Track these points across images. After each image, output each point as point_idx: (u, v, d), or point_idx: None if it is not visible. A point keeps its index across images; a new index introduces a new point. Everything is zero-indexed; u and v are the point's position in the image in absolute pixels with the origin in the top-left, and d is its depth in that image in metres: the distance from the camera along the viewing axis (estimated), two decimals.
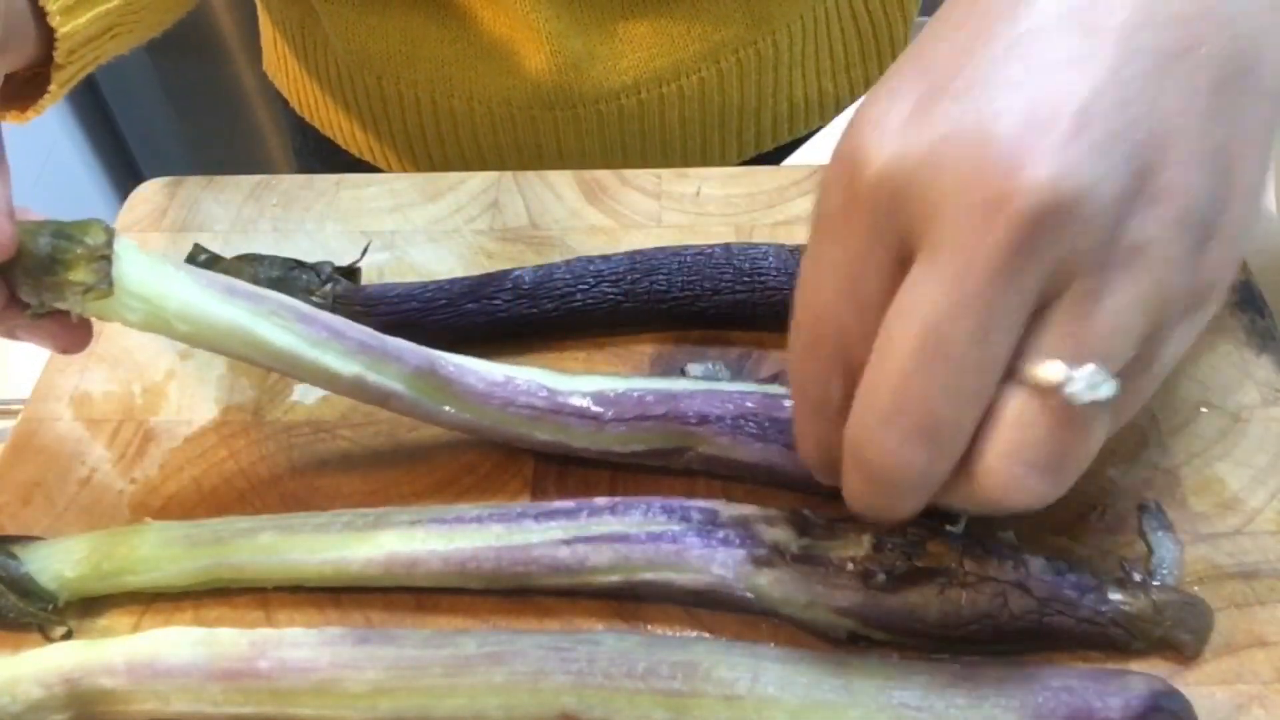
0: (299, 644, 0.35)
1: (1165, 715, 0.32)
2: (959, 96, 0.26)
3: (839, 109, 0.66)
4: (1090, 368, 0.26)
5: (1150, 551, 0.37)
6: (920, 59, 0.28)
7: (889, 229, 0.27)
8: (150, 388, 0.45)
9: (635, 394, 0.39)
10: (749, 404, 0.39)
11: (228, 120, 1.49)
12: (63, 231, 0.34)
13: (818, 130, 0.65)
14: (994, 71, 0.26)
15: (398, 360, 0.38)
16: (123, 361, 0.46)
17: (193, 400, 0.45)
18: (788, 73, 0.62)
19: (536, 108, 0.59)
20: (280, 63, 0.69)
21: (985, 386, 0.27)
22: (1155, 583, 0.35)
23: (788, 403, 0.38)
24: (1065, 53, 0.26)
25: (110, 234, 0.34)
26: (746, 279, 0.44)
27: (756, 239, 0.48)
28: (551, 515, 0.37)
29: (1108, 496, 0.39)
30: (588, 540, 0.36)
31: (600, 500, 0.38)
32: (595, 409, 0.38)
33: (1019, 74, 0.26)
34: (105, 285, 0.34)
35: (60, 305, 0.34)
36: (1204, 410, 0.41)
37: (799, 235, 0.48)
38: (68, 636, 0.37)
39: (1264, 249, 0.54)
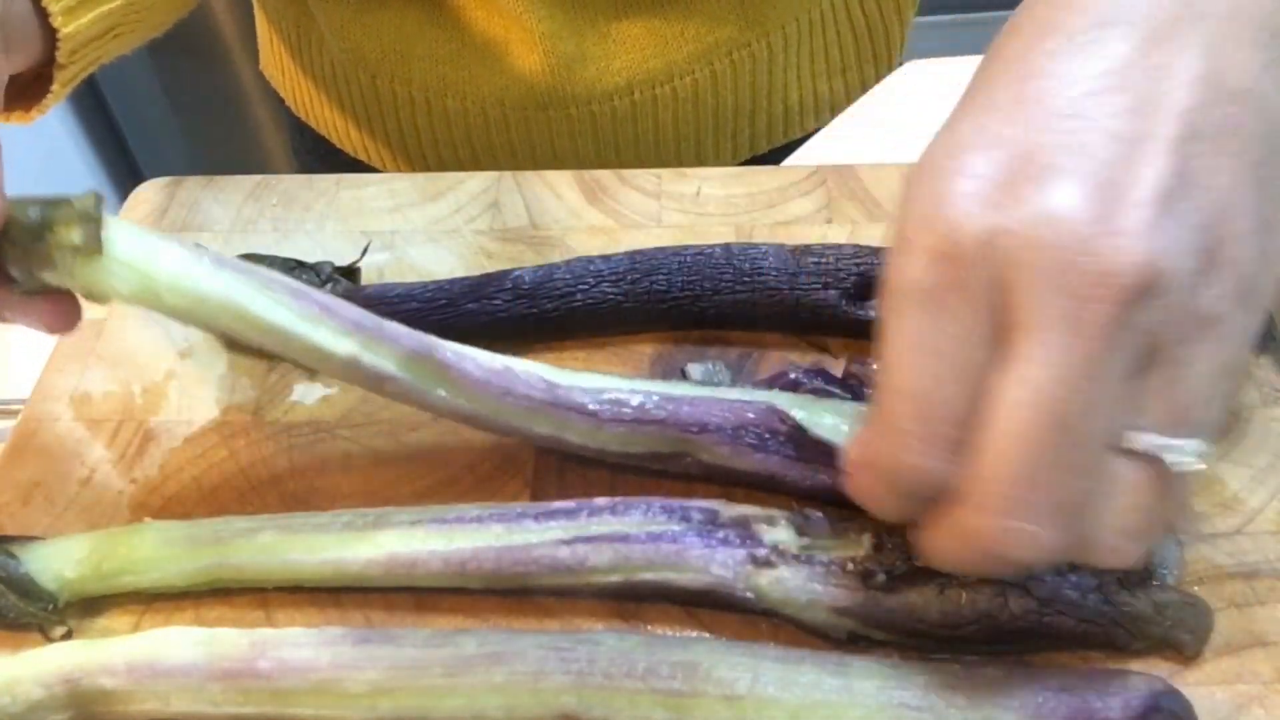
0: (299, 644, 0.35)
1: (1165, 715, 0.32)
2: (1043, 174, 0.27)
3: (834, 112, 0.66)
4: (1189, 440, 0.28)
5: (1150, 551, 0.37)
6: (984, 121, 0.29)
7: (989, 305, 0.27)
8: (150, 388, 0.45)
9: (636, 396, 0.39)
10: (750, 414, 0.38)
11: (228, 120, 1.49)
12: (52, 200, 0.34)
13: (812, 134, 0.65)
14: (1069, 141, 0.27)
15: (394, 342, 0.37)
16: (123, 361, 0.46)
17: (193, 400, 0.45)
18: (782, 75, 0.62)
19: (530, 108, 0.59)
20: (277, 62, 0.69)
21: (1097, 461, 0.28)
22: (1155, 583, 0.35)
23: (797, 412, 0.38)
24: (1127, 125, 0.27)
25: (99, 200, 0.34)
26: (746, 279, 0.44)
27: (756, 239, 0.48)
28: (551, 515, 0.37)
29: None
30: (588, 540, 0.36)
31: (600, 500, 0.38)
32: (594, 407, 0.38)
33: (1096, 148, 0.27)
34: (95, 244, 0.33)
35: (49, 277, 0.34)
36: None
37: (799, 235, 0.48)
38: (68, 636, 0.37)
39: None
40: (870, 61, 0.65)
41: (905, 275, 0.28)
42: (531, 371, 0.38)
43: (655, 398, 0.38)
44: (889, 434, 0.29)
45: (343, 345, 0.36)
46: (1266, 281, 0.28)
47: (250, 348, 0.46)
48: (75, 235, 0.33)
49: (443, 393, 0.37)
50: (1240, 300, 0.27)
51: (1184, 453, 0.28)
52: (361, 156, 0.66)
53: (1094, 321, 0.26)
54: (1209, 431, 0.28)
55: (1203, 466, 0.28)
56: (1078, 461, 0.27)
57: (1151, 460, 0.28)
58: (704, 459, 0.39)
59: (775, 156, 0.65)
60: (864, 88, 0.66)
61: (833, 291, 0.43)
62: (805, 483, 0.38)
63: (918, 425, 0.28)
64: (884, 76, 0.67)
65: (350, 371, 0.37)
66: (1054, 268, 0.26)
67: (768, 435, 0.38)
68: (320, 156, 0.69)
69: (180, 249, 0.35)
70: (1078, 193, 0.27)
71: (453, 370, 0.37)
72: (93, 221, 0.33)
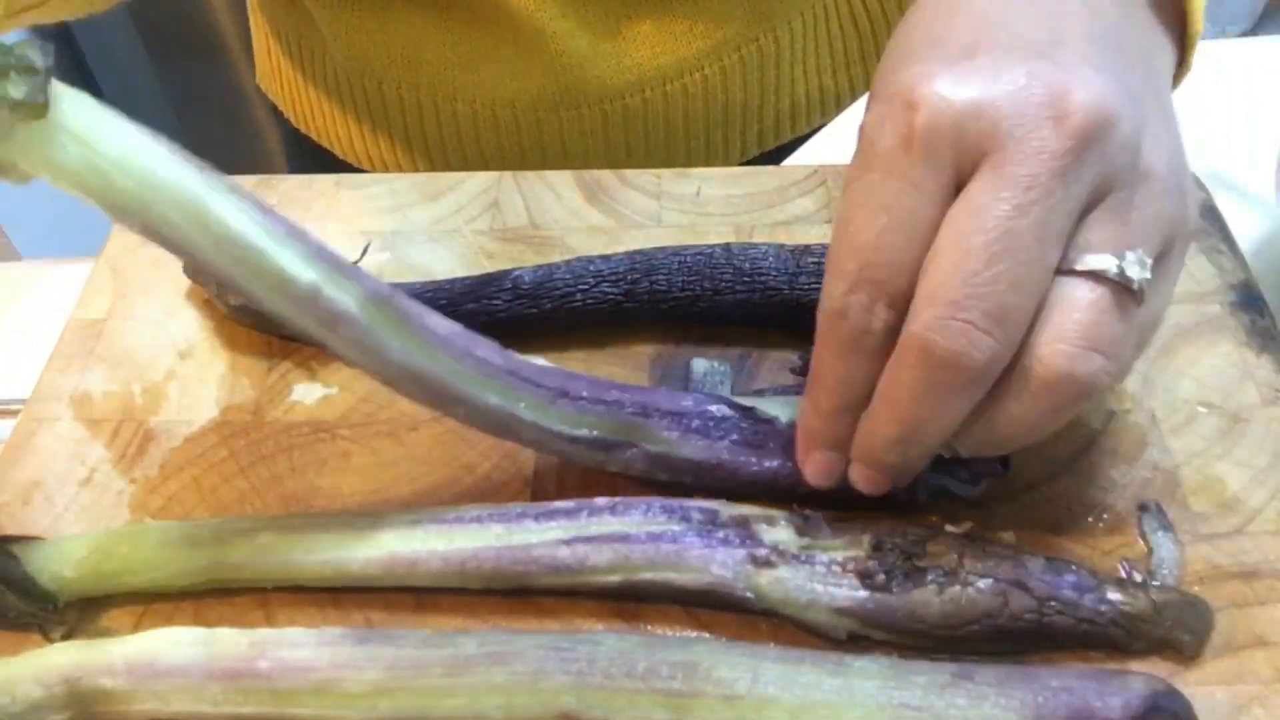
0: (299, 644, 0.35)
1: (1165, 715, 0.32)
2: (995, 48, 0.31)
3: (839, 107, 0.66)
4: (1138, 251, 0.31)
5: (1150, 551, 0.37)
6: (925, 29, 0.34)
7: (948, 158, 0.31)
8: (150, 388, 0.45)
9: (593, 380, 0.38)
10: (710, 407, 0.38)
11: (228, 121, 1.50)
12: None
13: (819, 128, 0.65)
14: (1009, 32, 0.32)
15: (358, 281, 0.34)
16: (123, 361, 0.46)
17: (193, 400, 0.45)
18: (789, 70, 0.62)
19: (541, 109, 0.59)
20: (275, 74, 0.69)
21: (1044, 279, 0.31)
22: (1155, 583, 0.35)
23: (772, 410, 0.38)
24: (1045, 26, 0.32)
25: (48, 51, 0.29)
26: (747, 279, 0.44)
27: (756, 239, 0.48)
28: (551, 515, 0.37)
29: (1108, 496, 0.39)
30: (588, 540, 0.36)
31: (600, 500, 0.38)
32: (549, 381, 0.37)
33: (1032, 35, 0.32)
34: (40, 100, 0.29)
35: None
36: (1204, 410, 0.41)
37: (799, 235, 0.48)
38: (68, 636, 0.37)
39: (1264, 249, 0.54)
40: (874, 56, 0.66)
41: (866, 148, 0.32)
42: (491, 343, 0.37)
43: (608, 384, 0.38)
44: (830, 288, 0.32)
45: (306, 273, 0.32)
46: (1182, 161, 0.33)
47: (252, 345, 0.46)
48: (18, 88, 0.28)
49: (398, 344, 0.34)
50: (1174, 170, 0.32)
51: (1128, 263, 0.31)
52: (365, 166, 0.66)
53: (1054, 151, 0.30)
54: (1149, 259, 0.31)
55: (1146, 277, 0.31)
56: (1027, 276, 0.30)
57: (1098, 278, 0.31)
58: (650, 449, 0.38)
59: (779, 155, 0.65)
60: (867, 83, 0.66)
61: None
62: (752, 469, 0.38)
63: (859, 276, 0.32)
64: None
65: (306, 304, 0.33)
66: (1014, 111, 0.30)
67: (712, 422, 0.38)
68: (320, 167, 0.69)
69: (138, 130, 0.31)
70: (1030, 63, 0.31)
71: (413, 321, 0.35)
72: (39, 75, 0.28)
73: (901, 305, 0.31)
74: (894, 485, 0.35)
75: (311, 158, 0.69)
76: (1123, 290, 0.31)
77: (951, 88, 0.31)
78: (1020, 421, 0.32)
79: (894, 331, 0.32)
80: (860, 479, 0.35)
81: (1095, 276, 0.31)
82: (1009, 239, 0.30)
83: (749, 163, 0.64)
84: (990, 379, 0.31)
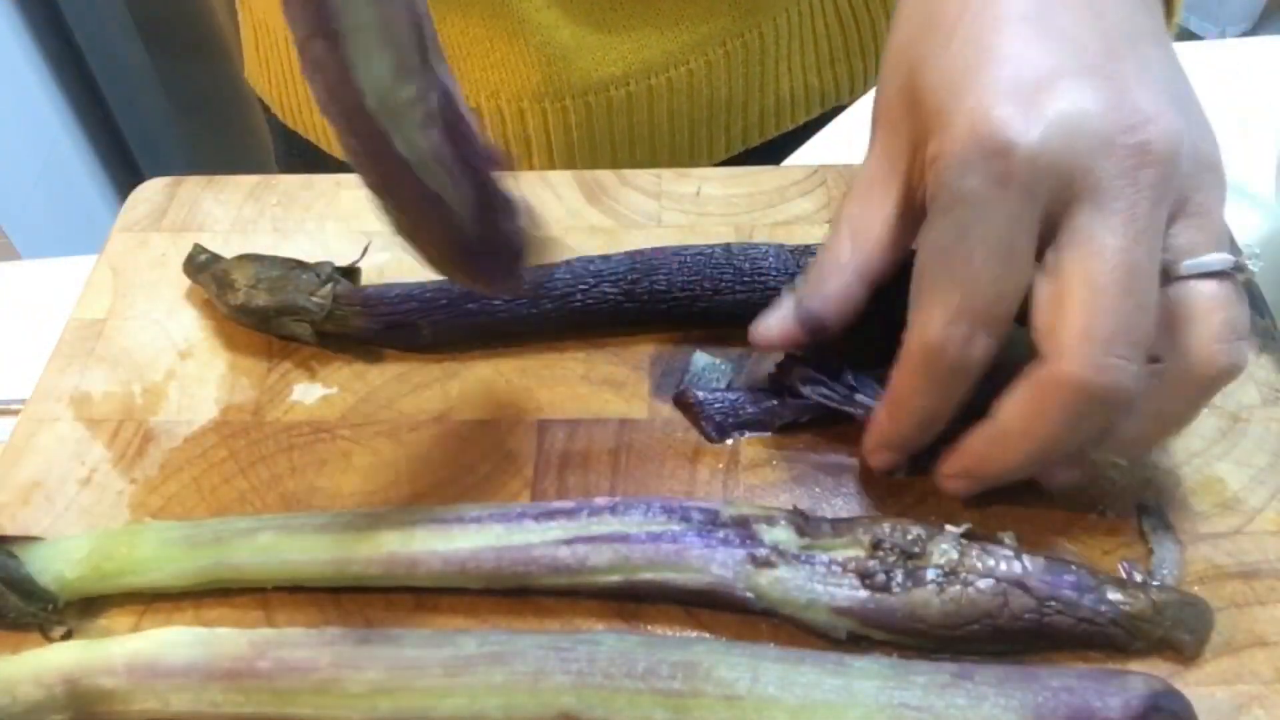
0: (299, 644, 0.35)
1: (1165, 715, 0.32)
2: (1062, 72, 0.33)
3: (823, 104, 0.66)
4: (1243, 244, 0.34)
5: (1150, 551, 0.37)
6: (969, 34, 0.34)
7: (1042, 195, 0.32)
8: (150, 388, 0.45)
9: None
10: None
11: (228, 120, 1.50)
12: None
13: (804, 125, 0.65)
14: (1065, 48, 0.33)
15: None
16: (123, 361, 0.46)
17: (193, 400, 0.45)
18: (774, 66, 0.62)
19: (525, 100, 0.59)
20: (262, 67, 0.69)
21: (1155, 298, 0.33)
22: (1155, 583, 0.35)
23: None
24: (1097, 31, 0.34)
25: None
26: (747, 279, 0.44)
27: (756, 239, 0.48)
28: (551, 515, 0.37)
29: (1108, 496, 0.39)
30: (588, 540, 0.36)
31: (600, 500, 0.38)
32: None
33: (1087, 49, 0.33)
34: None
35: None
36: (1204, 410, 0.41)
37: (799, 235, 0.48)
38: (68, 636, 0.37)
39: (1264, 249, 0.54)
40: (858, 54, 0.66)
41: (957, 189, 0.33)
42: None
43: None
44: (930, 320, 0.34)
45: None
46: (1207, 130, 0.35)
47: (252, 345, 0.46)
48: None
49: None
50: (1210, 145, 0.34)
51: (1246, 258, 0.34)
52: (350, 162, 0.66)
53: (1147, 182, 0.32)
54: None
55: (1259, 262, 0.35)
56: (1149, 301, 0.32)
57: (1219, 276, 0.33)
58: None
59: (768, 152, 0.65)
60: (852, 80, 0.66)
61: None
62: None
63: (962, 309, 0.33)
64: (871, 70, 0.67)
65: None
66: (1103, 148, 0.32)
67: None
68: (307, 164, 0.68)
69: None
70: (1100, 89, 0.33)
71: None
72: None
73: (999, 333, 0.34)
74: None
75: (299, 154, 0.69)
76: (1235, 278, 0.34)
77: (1041, 130, 0.32)
78: (1178, 419, 0.36)
79: (986, 360, 0.34)
80: (958, 489, 0.38)
81: (1217, 276, 0.33)
82: (1135, 272, 0.32)
83: (735, 159, 0.64)
84: (1138, 394, 0.33)
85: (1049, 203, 0.33)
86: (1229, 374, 0.34)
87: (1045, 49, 0.33)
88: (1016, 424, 0.34)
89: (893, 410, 0.37)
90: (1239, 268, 0.34)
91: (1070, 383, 0.32)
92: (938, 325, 0.34)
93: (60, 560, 0.37)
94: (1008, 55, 0.33)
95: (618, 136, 0.61)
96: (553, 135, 0.61)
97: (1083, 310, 0.32)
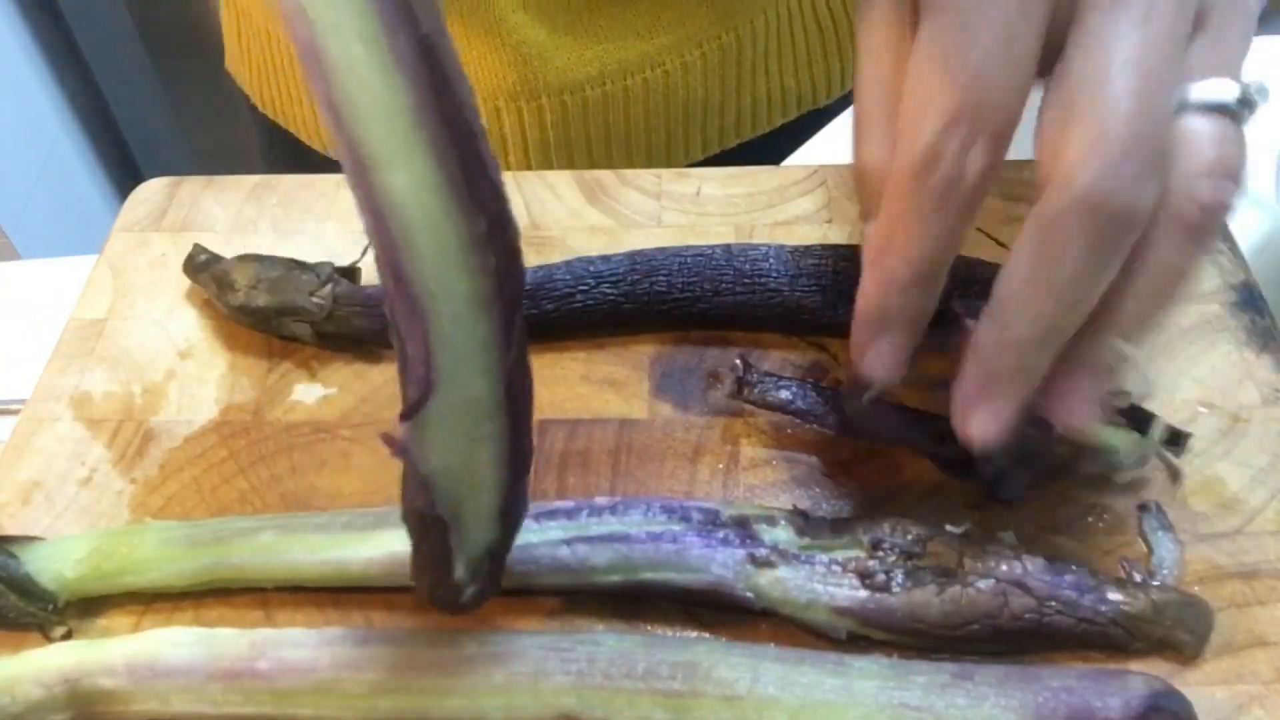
0: (299, 644, 0.35)
1: (1165, 715, 0.32)
2: None
3: (800, 106, 0.66)
4: (1255, 79, 0.30)
5: (1150, 551, 0.37)
6: None
7: None
8: (150, 388, 0.45)
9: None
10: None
11: (228, 120, 1.49)
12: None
13: (780, 127, 0.65)
14: None
15: None
16: (123, 361, 0.46)
17: (193, 400, 0.45)
18: (750, 68, 0.62)
19: (501, 98, 0.59)
20: (244, 56, 0.69)
21: (1173, 108, 0.30)
22: (1155, 583, 0.35)
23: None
24: None
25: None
26: (747, 280, 0.44)
27: (756, 239, 0.48)
28: (551, 515, 0.37)
29: (1108, 496, 0.39)
30: (588, 540, 0.36)
31: (600, 500, 0.38)
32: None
33: None
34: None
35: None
36: (1204, 410, 0.41)
37: (799, 235, 0.48)
38: (68, 636, 0.37)
39: (1264, 249, 0.54)
40: (836, 56, 0.66)
41: None
42: None
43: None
44: (933, 120, 0.29)
45: None
46: None
47: (252, 345, 0.46)
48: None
49: None
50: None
51: (1251, 92, 0.31)
52: (332, 154, 0.66)
53: None
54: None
55: (1266, 97, 0.31)
56: (1167, 113, 0.29)
57: (1220, 109, 0.30)
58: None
59: (748, 151, 0.64)
60: (829, 82, 0.66)
61: (833, 293, 0.43)
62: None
63: (961, 110, 0.29)
64: (849, 72, 0.67)
65: None
66: None
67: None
68: (290, 157, 0.68)
69: None
70: None
71: None
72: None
73: (1001, 147, 0.30)
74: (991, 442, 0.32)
75: (282, 147, 0.69)
76: (1239, 115, 0.30)
77: None
78: (1175, 270, 0.31)
79: (986, 182, 0.30)
80: (979, 427, 0.32)
81: (1219, 109, 0.30)
82: (1152, 78, 0.28)
83: (713, 160, 0.64)
84: (1145, 223, 0.30)
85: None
86: (1213, 212, 0.30)
87: None
88: (1025, 278, 0.30)
89: (877, 267, 0.32)
90: (1245, 101, 0.30)
91: (1083, 204, 0.29)
92: (931, 130, 0.29)
93: (60, 560, 0.37)
94: None
95: (593, 136, 0.61)
96: (528, 134, 0.60)
97: (1093, 122, 0.28)
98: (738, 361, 0.41)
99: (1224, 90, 0.30)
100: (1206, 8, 0.30)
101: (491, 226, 0.26)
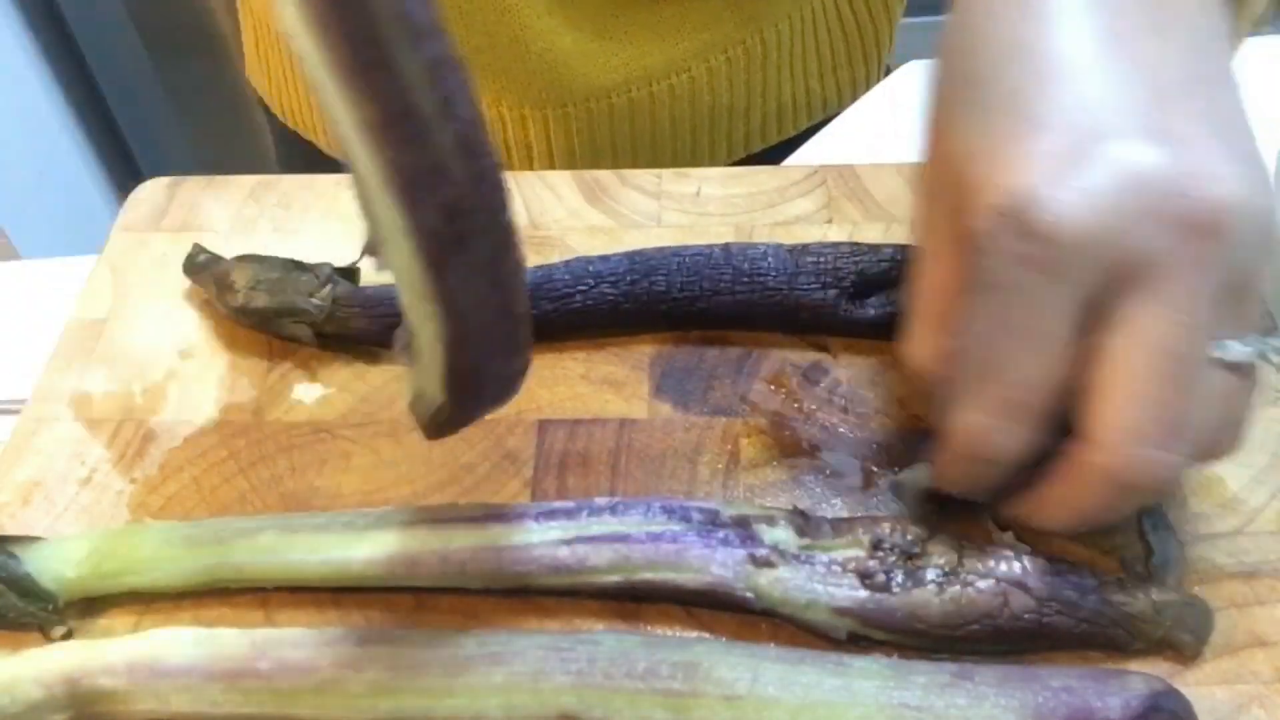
0: (299, 644, 0.35)
1: (1165, 715, 0.32)
2: (1104, 132, 0.29)
3: (825, 111, 0.66)
4: (1271, 339, 0.31)
5: (1150, 551, 0.37)
6: (997, 81, 0.31)
7: (1085, 280, 0.29)
8: (150, 388, 0.45)
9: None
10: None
11: (228, 120, 1.49)
12: None
13: (804, 134, 0.65)
14: (1105, 102, 0.29)
15: None
16: (123, 361, 0.46)
17: (193, 400, 0.45)
18: (775, 73, 0.62)
19: (527, 106, 0.59)
20: (263, 65, 0.69)
21: (1202, 385, 0.30)
22: (1155, 583, 0.35)
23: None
24: (1142, 78, 0.30)
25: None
26: (746, 279, 0.44)
27: (756, 239, 0.48)
28: (551, 515, 0.37)
29: None
30: (588, 540, 0.36)
31: (600, 500, 0.38)
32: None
33: (1129, 103, 0.29)
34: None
35: None
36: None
37: (799, 235, 0.48)
38: (68, 636, 0.37)
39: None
40: (860, 61, 0.66)
41: (987, 258, 0.30)
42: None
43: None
44: (977, 411, 0.31)
45: None
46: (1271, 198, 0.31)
47: (252, 345, 0.46)
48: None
49: None
50: (1272, 205, 0.30)
51: (1270, 352, 0.31)
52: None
53: (1201, 264, 0.28)
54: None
55: None
56: (1192, 384, 0.30)
57: (1237, 369, 0.30)
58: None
59: (769, 156, 0.65)
60: (854, 87, 0.67)
61: (832, 291, 0.43)
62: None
63: (1005, 410, 0.31)
64: (873, 76, 0.68)
65: None
66: (1153, 224, 0.28)
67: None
68: (307, 165, 0.68)
69: None
70: (1148, 153, 0.28)
71: None
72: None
73: (1038, 426, 0.31)
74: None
75: (299, 154, 0.69)
76: (1254, 369, 0.31)
77: (1072, 201, 0.28)
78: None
79: (1027, 449, 0.32)
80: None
81: (1235, 368, 0.31)
82: (1183, 364, 0.29)
83: (739, 164, 0.64)
84: (1177, 480, 0.32)
85: (1093, 287, 0.29)
86: (1220, 457, 0.32)
87: (1091, 103, 0.29)
88: (1054, 497, 0.33)
89: (938, 479, 0.36)
90: (1263, 356, 0.31)
91: (1103, 474, 0.30)
92: (972, 418, 0.32)
93: (60, 560, 0.37)
94: (1045, 117, 0.29)
95: (619, 143, 0.61)
96: (554, 141, 0.61)
97: (1122, 403, 0.30)
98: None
99: (1245, 353, 0.30)
100: (1239, 266, 0.29)
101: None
